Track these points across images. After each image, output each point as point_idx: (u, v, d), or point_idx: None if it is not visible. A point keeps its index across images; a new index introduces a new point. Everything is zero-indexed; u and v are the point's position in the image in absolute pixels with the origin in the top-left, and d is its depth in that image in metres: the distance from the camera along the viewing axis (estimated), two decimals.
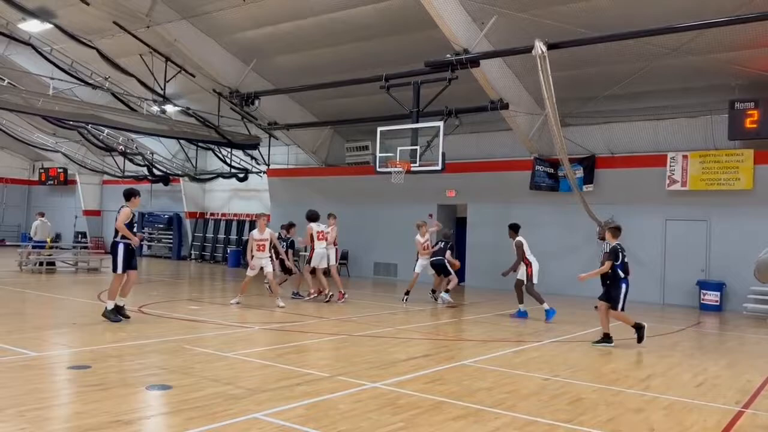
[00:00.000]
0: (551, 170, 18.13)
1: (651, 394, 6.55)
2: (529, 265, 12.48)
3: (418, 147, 14.80)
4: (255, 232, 12.66)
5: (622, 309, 9.58)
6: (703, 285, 15.55)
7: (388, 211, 20.40)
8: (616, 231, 9.76)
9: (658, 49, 13.75)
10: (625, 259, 9.54)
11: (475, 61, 14.60)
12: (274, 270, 13.09)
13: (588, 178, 17.47)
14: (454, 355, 8.69)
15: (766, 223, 15.00)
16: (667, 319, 13.64)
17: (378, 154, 15.38)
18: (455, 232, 20.93)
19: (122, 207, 9.97)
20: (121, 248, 9.91)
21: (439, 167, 14.35)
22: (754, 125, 14.69)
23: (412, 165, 14.53)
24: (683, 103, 15.92)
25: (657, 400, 6.32)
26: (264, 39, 18.07)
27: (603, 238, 14.48)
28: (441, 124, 14.56)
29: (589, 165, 17.57)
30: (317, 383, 6.41)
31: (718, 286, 15.32)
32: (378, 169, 15.35)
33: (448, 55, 14.46)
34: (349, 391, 6.15)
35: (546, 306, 12.27)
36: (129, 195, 10.09)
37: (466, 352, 8.79)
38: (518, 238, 12.66)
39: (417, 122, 15.03)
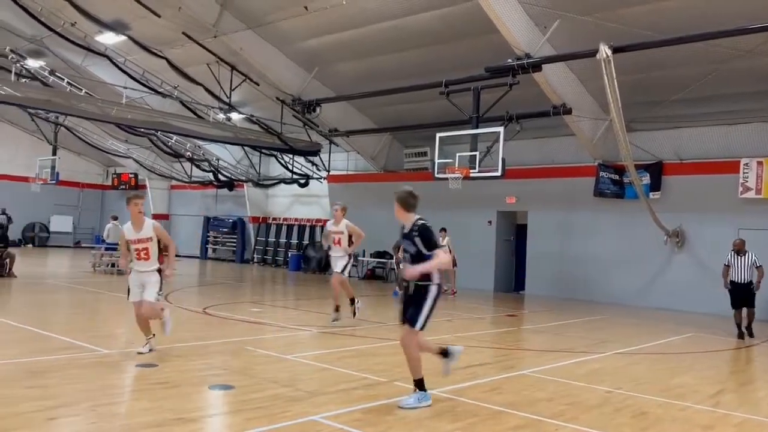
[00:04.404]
0: (616, 176, 17.63)
1: (721, 410, 6.27)
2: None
3: (477, 153, 14.65)
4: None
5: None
6: None
7: (446, 217, 20.21)
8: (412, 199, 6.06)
9: (729, 51, 13.16)
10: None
11: (537, 66, 14.37)
12: None
13: (655, 185, 16.89)
14: (513, 364, 8.56)
15: None
16: None
17: (437, 160, 15.33)
18: (515, 239, 20.67)
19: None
20: None
21: (498, 173, 14.17)
22: None
23: (471, 171, 14.41)
24: (757, 106, 15.15)
25: (728, 417, 6.04)
26: (326, 47, 18.36)
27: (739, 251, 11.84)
28: (501, 129, 14.39)
29: (656, 171, 16.97)
30: (374, 388, 6.44)
31: None
32: (436, 175, 15.30)
33: (510, 60, 14.30)
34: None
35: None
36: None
37: (526, 362, 8.64)
38: None
39: (477, 128, 14.91)
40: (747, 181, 15.46)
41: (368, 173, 23.76)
